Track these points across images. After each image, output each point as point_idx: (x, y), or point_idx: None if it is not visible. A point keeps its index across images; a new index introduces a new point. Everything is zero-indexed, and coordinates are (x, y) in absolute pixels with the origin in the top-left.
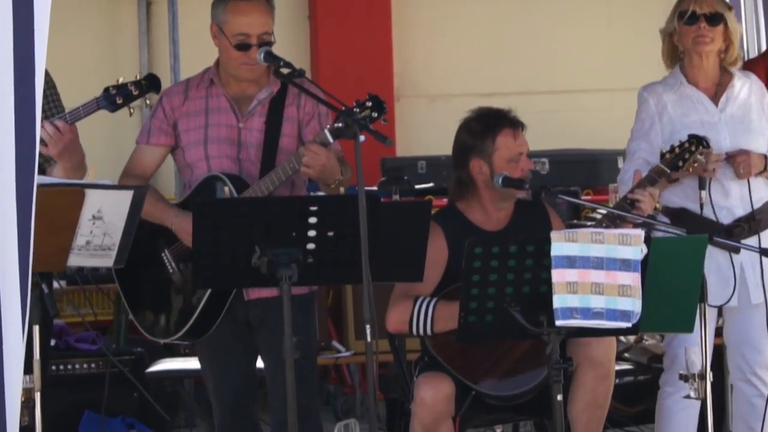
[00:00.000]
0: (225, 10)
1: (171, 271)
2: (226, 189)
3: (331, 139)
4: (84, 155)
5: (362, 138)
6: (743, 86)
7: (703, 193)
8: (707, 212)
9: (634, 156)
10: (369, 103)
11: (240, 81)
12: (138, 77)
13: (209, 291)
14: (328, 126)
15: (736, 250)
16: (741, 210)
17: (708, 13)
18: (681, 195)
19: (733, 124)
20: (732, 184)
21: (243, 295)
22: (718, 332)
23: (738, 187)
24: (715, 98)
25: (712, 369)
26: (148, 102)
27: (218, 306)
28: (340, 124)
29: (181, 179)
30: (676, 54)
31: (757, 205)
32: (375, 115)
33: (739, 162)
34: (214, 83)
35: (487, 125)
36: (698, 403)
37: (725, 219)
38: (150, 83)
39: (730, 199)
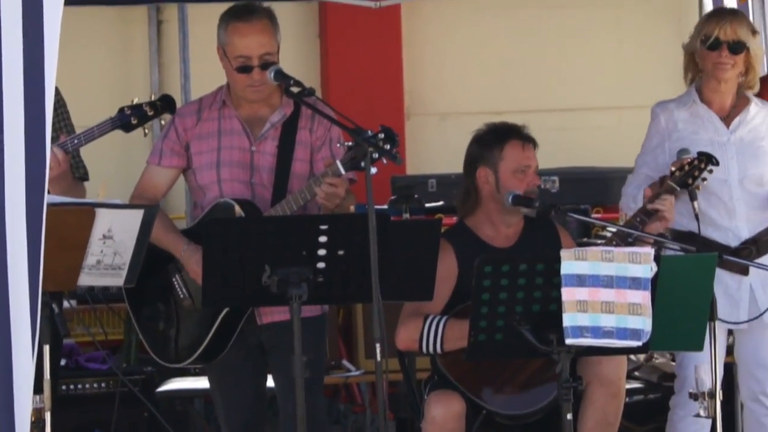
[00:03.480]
0: (226, 32)
1: (182, 296)
2: (237, 208)
3: (342, 171)
4: (72, 180)
5: (374, 170)
6: (758, 112)
7: (695, 204)
8: (704, 232)
9: (638, 170)
10: (381, 135)
11: (250, 102)
12: (153, 98)
13: (221, 316)
14: (340, 158)
15: (745, 271)
16: (747, 232)
17: (731, 41)
18: (689, 217)
19: (742, 147)
20: (738, 204)
21: (256, 320)
22: (729, 350)
23: (744, 207)
24: (727, 120)
25: (722, 388)
26: (162, 123)
27: (230, 330)
28: (349, 144)
29: (192, 199)
30: (696, 70)
31: (764, 225)
32: (387, 146)
33: None
34: (226, 104)
35: (496, 135)
36: (709, 424)
37: (732, 241)
38: (165, 104)
39: (735, 221)
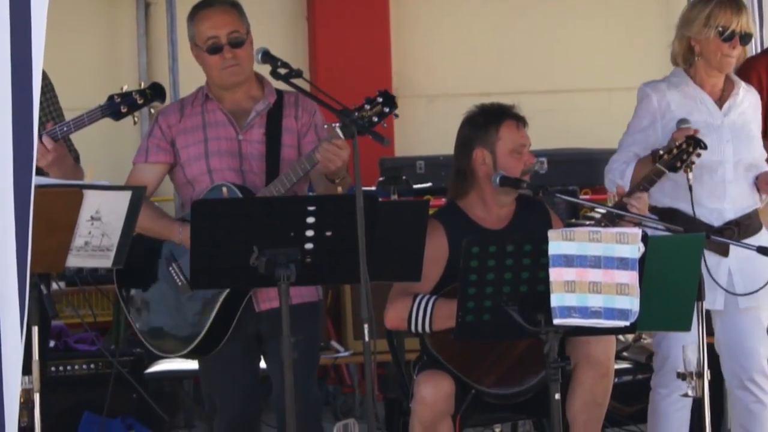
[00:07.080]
0: (192, 24)
1: (180, 284)
2: (224, 189)
3: (342, 136)
4: (73, 163)
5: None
6: (746, 96)
7: (690, 176)
8: (689, 209)
9: (626, 149)
10: (380, 99)
11: (233, 92)
12: (141, 84)
13: (218, 305)
14: (339, 124)
15: (725, 252)
16: (732, 213)
17: (744, 33)
18: (672, 195)
19: (735, 131)
20: (729, 187)
21: (254, 307)
22: (710, 331)
23: (735, 190)
24: (719, 102)
25: (708, 368)
26: (152, 111)
27: (227, 321)
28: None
29: (180, 197)
30: (690, 54)
31: (747, 210)
32: (387, 110)
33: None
34: (209, 98)
35: (491, 115)
36: (690, 403)
37: (716, 221)
38: (154, 92)
39: (724, 202)
